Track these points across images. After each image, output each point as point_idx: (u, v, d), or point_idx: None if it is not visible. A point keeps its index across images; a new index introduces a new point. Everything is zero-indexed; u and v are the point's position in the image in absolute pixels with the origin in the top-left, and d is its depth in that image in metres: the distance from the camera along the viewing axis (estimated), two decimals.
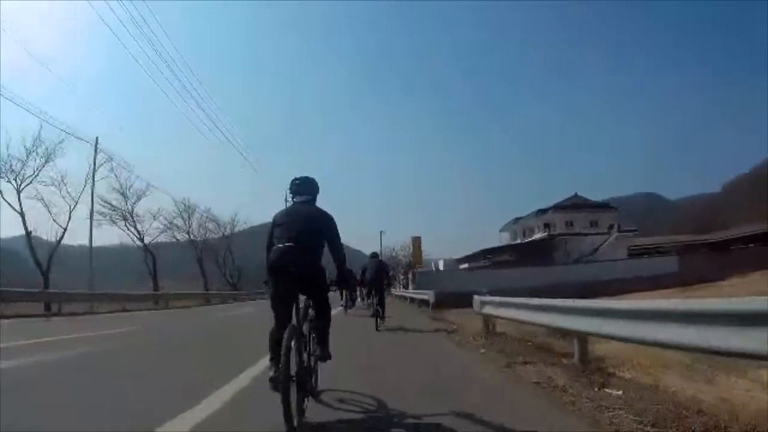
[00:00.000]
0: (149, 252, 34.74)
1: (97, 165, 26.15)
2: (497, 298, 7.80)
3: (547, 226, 52.16)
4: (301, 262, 3.10)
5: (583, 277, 33.79)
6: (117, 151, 45.82)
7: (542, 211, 53.43)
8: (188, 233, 42.15)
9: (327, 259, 3.35)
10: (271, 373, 2.86)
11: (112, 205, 31.92)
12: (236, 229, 48.07)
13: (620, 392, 3.64)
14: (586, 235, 47.70)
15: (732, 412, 3.01)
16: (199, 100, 59.16)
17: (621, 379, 4.22)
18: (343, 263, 3.48)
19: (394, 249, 58.20)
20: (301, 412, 2.79)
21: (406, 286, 38.49)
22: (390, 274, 13.75)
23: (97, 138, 25.90)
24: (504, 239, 60.96)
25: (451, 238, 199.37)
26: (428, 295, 15.85)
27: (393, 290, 38.18)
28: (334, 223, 3.42)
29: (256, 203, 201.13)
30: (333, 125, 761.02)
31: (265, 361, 3.34)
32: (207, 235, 44.10)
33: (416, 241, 29.44)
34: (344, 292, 14.57)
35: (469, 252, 56.36)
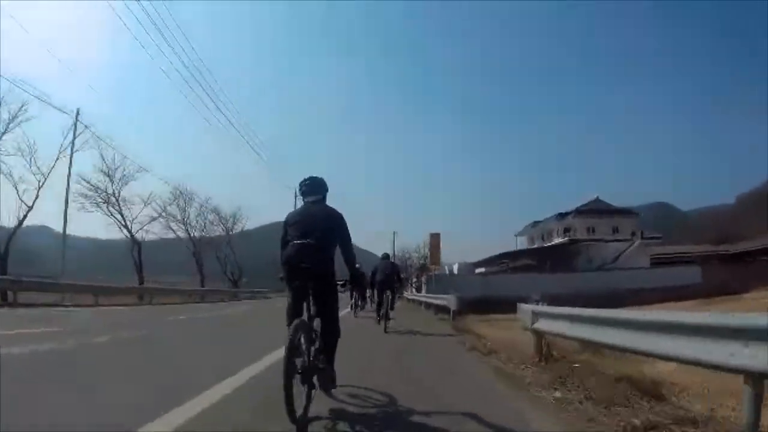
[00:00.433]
0: (134, 241, 31.13)
1: (81, 143, 23.99)
2: (563, 310, 5.64)
3: (567, 230, 50.01)
4: (314, 259, 3.18)
5: (608, 285, 32.20)
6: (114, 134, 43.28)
7: (562, 215, 51.20)
8: (184, 223, 38.18)
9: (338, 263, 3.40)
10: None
11: (92, 185, 28.28)
12: (244, 227, 45.58)
13: None
14: (608, 241, 45.45)
15: None
16: (217, 99, 57.50)
17: None
18: (355, 263, 3.63)
19: (407, 250, 56.46)
20: (308, 404, 2.84)
21: (419, 290, 36.82)
22: (401, 276, 13.22)
23: (78, 109, 23.87)
24: (521, 243, 58.80)
25: (465, 242, 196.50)
26: (448, 300, 13.54)
27: (405, 293, 36.54)
28: (345, 222, 3.50)
29: (267, 202, 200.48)
30: (353, 125, 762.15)
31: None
32: (206, 227, 40.73)
33: (434, 239, 25.69)
34: (354, 293, 14.34)
35: (483, 256, 54.49)
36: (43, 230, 44.39)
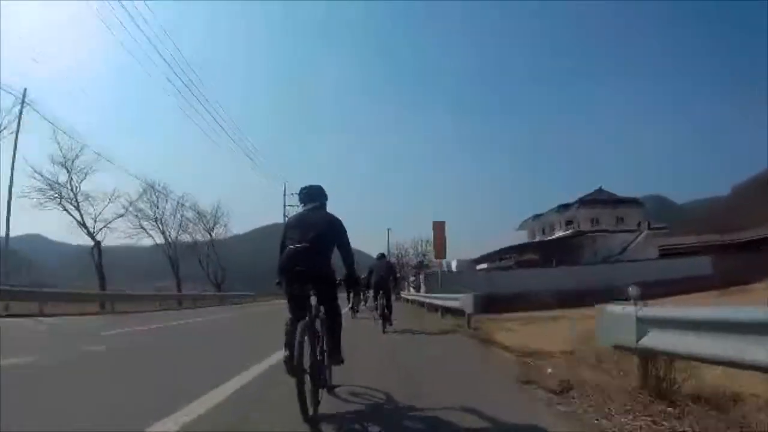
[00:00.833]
0: (94, 240, 27.40)
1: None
2: (708, 314, 3.02)
3: (569, 222, 47.53)
4: (312, 262, 3.25)
5: (617, 278, 30.04)
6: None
7: (565, 207, 48.64)
8: (156, 221, 34.06)
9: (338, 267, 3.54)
10: (286, 360, 2.95)
11: (43, 176, 24.73)
12: (228, 228, 41.93)
13: None
14: (614, 232, 43.14)
15: None
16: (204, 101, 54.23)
17: None
18: (353, 266, 3.75)
19: (404, 246, 53.61)
20: (316, 403, 2.95)
21: (417, 289, 34.20)
22: (398, 275, 13.38)
23: (25, 89, 21.23)
24: (521, 238, 56.16)
25: (461, 239, 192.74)
26: (462, 301, 10.34)
27: (402, 293, 34.02)
28: (344, 227, 3.59)
29: (257, 206, 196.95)
30: (345, 124, 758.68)
31: None
32: (182, 225, 36.70)
33: (438, 228, 22.37)
34: (351, 294, 14.59)
35: (480, 253, 52.02)
36: (36, 239, 41.31)
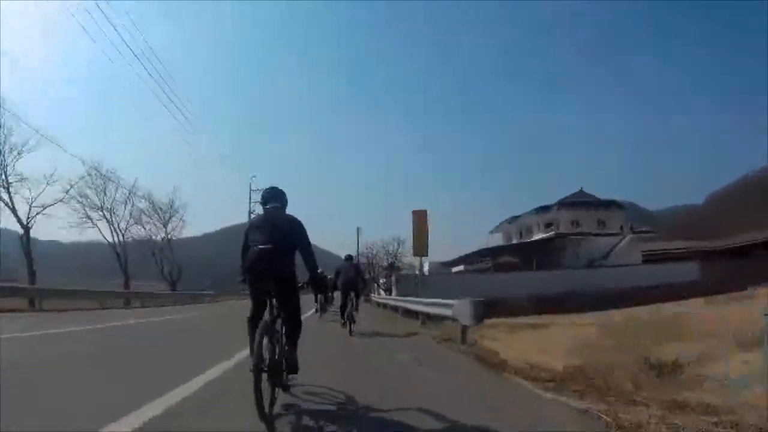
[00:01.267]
0: (22, 225, 24.19)
1: None
2: None
3: (549, 225, 45.83)
4: (275, 263, 3.27)
5: (601, 283, 28.75)
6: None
7: (544, 209, 46.92)
8: (102, 209, 30.20)
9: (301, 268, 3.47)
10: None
11: None
12: (184, 220, 38.05)
13: None
14: (597, 235, 41.62)
15: None
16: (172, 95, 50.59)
17: None
18: (315, 266, 3.63)
19: (374, 247, 50.72)
20: (273, 401, 2.91)
21: (388, 291, 31.79)
22: (365, 277, 12.77)
23: None
24: (496, 241, 54.02)
25: (432, 241, 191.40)
26: (456, 309, 7.81)
27: (372, 295, 31.63)
28: (304, 228, 3.57)
29: (225, 204, 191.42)
30: (309, 125, 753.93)
31: None
32: (133, 215, 33.04)
33: (419, 217, 18.49)
34: (318, 296, 14.03)
35: (453, 256, 49.93)
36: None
